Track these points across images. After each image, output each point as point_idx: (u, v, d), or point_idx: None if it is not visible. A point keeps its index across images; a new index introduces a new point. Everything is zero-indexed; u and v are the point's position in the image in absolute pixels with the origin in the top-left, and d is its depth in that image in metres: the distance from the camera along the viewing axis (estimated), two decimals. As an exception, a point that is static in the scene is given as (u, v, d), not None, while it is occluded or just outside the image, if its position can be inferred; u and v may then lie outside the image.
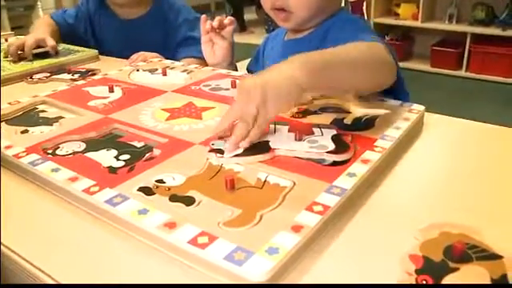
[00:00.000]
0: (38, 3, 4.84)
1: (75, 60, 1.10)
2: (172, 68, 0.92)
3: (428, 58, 3.88)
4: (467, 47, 3.66)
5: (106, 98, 0.77)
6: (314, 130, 0.60)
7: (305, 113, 0.68)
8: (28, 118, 0.73)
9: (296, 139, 0.57)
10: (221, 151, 0.56)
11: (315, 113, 0.68)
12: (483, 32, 3.61)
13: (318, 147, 0.54)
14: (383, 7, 4.03)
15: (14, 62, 1.09)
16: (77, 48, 1.20)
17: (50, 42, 1.13)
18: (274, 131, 0.61)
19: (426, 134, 0.67)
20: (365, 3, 5.33)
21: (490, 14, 3.65)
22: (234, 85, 0.79)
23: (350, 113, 0.68)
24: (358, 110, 0.68)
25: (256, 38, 5.23)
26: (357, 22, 0.85)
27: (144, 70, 0.92)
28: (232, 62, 0.99)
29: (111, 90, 0.80)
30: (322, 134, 0.58)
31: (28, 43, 1.10)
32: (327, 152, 0.54)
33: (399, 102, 0.71)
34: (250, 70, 1.08)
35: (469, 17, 3.73)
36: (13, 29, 4.72)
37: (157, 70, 0.91)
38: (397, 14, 3.98)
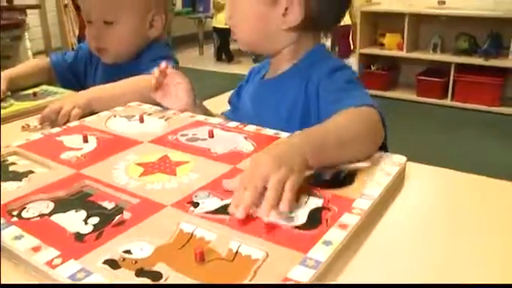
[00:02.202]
0: (26, 34, 4.83)
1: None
2: (150, 114, 0.90)
3: (414, 87, 3.93)
4: (452, 76, 3.71)
5: (79, 150, 0.75)
6: (302, 197, 0.57)
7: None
8: (-3, 171, 0.70)
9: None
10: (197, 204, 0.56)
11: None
12: (467, 62, 3.67)
13: (287, 219, 0.52)
14: (369, 37, 4.09)
15: None
16: (56, 89, 1.18)
17: None
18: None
19: (407, 188, 0.65)
20: (351, 32, 5.39)
21: (473, 44, 3.72)
22: (210, 134, 0.77)
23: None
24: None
25: (243, 67, 5.26)
26: (345, 70, 0.84)
27: (121, 116, 0.90)
28: (197, 102, 0.96)
29: (85, 140, 0.78)
30: (306, 203, 0.56)
31: None
32: (295, 227, 0.51)
33: (380, 153, 0.69)
34: (231, 102, 1.06)
35: (452, 47, 3.80)
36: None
37: (134, 116, 0.89)
38: (382, 44, 4.03)
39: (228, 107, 1.07)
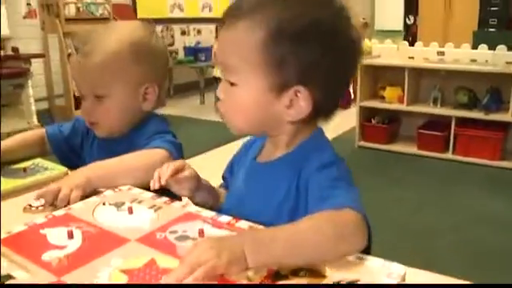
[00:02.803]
0: (29, 82, 4.89)
1: (43, 180, 1.05)
2: (140, 202, 0.87)
3: (415, 140, 3.91)
4: (452, 130, 3.70)
5: (62, 248, 0.72)
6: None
7: (275, 276, 0.63)
8: (-26, 274, 0.67)
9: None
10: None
11: (286, 277, 0.62)
12: (467, 116, 3.67)
13: None
14: (369, 90, 4.11)
15: None
16: (46, 164, 1.15)
17: None
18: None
19: (407, 302, 0.61)
20: (351, 84, 5.44)
21: (473, 97, 3.73)
22: (201, 233, 0.74)
23: (324, 276, 0.63)
24: (334, 275, 0.63)
25: (244, 116, 5.27)
26: (335, 166, 0.79)
27: (110, 204, 0.87)
28: (202, 183, 0.93)
29: (70, 236, 0.75)
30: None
31: None
32: None
33: (380, 262, 0.65)
34: (224, 178, 1.03)
35: (453, 100, 3.81)
36: (2, 106, 4.75)
37: (123, 204, 0.86)
38: (382, 97, 4.04)
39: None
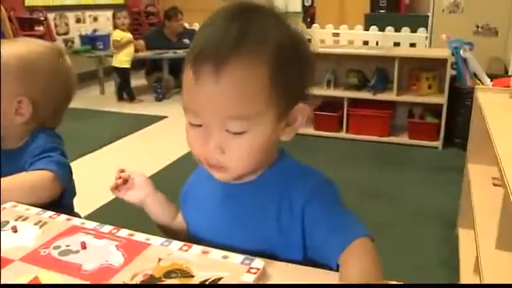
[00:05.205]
0: None
1: None
2: (25, 219, 0.90)
3: (312, 121, 4.12)
4: (345, 110, 3.94)
5: None
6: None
7: (151, 279, 0.70)
8: None
9: None
10: None
11: (159, 279, 0.70)
12: (357, 96, 3.93)
13: None
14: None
15: None
16: None
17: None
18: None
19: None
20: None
21: (362, 79, 3.99)
22: (83, 246, 0.79)
23: (193, 276, 0.71)
24: (200, 274, 0.71)
25: (146, 107, 5.27)
26: (333, 188, 0.85)
27: (-7, 224, 0.89)
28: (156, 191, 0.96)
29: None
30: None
31: None
32: None
33: (240, 259, 0.74)
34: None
35: (344, 82, 4.06)
36: None
37: (8, 223, 0.89)
38: (280, 81, 4.19)
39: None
